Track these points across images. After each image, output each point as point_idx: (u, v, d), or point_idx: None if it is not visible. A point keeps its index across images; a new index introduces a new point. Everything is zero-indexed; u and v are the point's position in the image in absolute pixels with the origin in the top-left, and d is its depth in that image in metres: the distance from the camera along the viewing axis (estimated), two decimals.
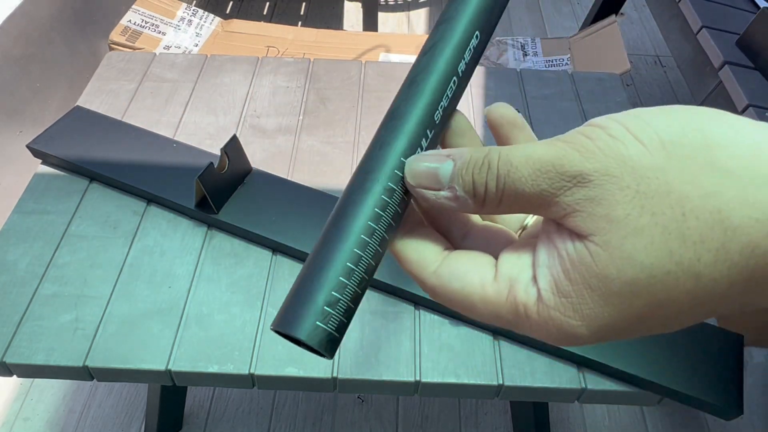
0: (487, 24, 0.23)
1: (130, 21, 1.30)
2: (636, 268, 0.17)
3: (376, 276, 0.58)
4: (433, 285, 0.21)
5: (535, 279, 0.20)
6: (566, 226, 0.19)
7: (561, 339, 0.20)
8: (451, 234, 0.24)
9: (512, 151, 0.19)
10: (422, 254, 0.22)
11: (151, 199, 0.65)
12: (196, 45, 1.34)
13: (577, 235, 0.18)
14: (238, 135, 0.65)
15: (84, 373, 0.53)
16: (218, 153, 0.62)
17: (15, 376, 0.55)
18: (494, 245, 0.22)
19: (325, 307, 0.20)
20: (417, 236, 0.22)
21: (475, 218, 0.25)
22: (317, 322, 0.20)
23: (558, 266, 0.19)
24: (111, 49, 1.26)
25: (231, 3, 1.96)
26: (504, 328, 0.21)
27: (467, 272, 0.21)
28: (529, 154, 0.19)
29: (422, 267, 0.22)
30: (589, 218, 0.18)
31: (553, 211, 0.19)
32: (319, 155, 0.72)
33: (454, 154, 0.20)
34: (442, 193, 0.20)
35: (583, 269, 0.18)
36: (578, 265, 0.18)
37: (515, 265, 0.20)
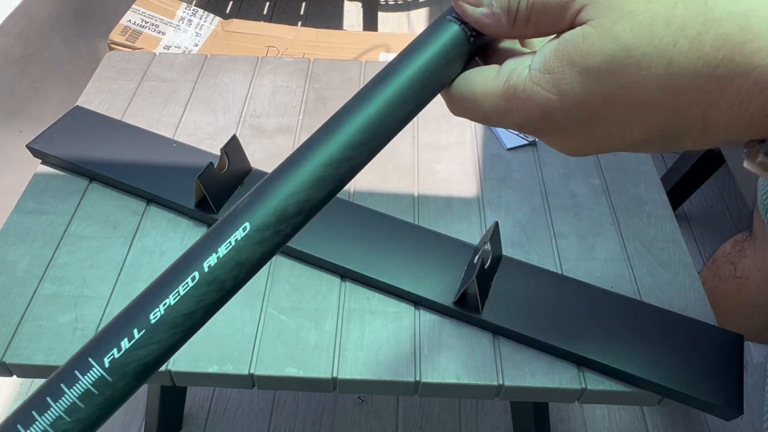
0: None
1: (130, 21, 1.30)
2: (618, 46, 0.19)
3: (375, 276, 0.58)
4: (449, 96, 0.24)
5: (529, 66, 0.22)
6: (575, 23, 0.20)
7: (538, 118, 0.22)
8: None
9: None
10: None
11: (150, 199, 0.65)
12: (196, 45, 1.34)
13: (579, 24, 0.20)
14: (237, 135, 0.65)
15: None
16: (218, 153, 0.62)
17: (15, 376, 0.55)
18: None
19: None
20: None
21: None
22: None
23: (551, 47, 0.21)
24: (111, 48, 1.26)
25: (231, 3, 1.96)
26: (499, 122, 0.23)
27: (474, 77, 0.24)
28: None
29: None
30: (593, 7, 0.20)
31: (569, 17, 0.21)
32: None
33: None
34: (480, 9, 0.22)
35: (571, 47, 0.20)
36: (567, 43, 0.20)
37: (516, 62, 0.22)
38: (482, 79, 0.23)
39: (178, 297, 0.23)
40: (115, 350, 0.22)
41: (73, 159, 0.67)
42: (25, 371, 0.54)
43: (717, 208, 1.41)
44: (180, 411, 0.99)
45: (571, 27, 0.21)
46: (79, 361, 0.22)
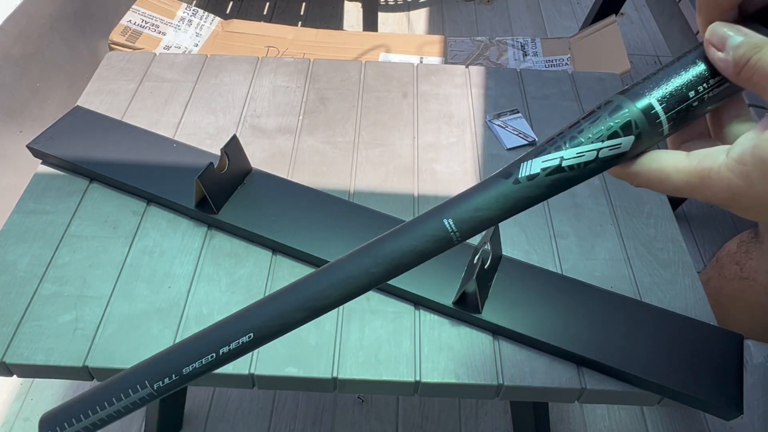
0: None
1: (130, 21, 1.30)
2: None
3: None
4: (635, 171, 0.28)
5: (726, 154, 0.25)
6: None
7: (726, 198, 0.26)
8: None
9: None
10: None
11: (150, 199, 0.65)
12: (196, 45, 1.34)
13: None
14: (238, 135, 0.65)
15: (84, 373, 0.53)
16: (218, 153, 0.62)
17: (15, 376, 0.55)
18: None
19: None
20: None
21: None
22: None
23: (751, 143, 0.24)
24: (111, 49, 1.26)
25: (231, 3, 1.96)
26: (683, 193, 0.27)
27: (664, 156, 0.27)
28: None
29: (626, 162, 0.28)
30: None
31: None
32: (319, 155, 0.72)
33: (749, 35, 0.25)
34: (719, 54, 0.26)
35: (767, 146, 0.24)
36: (765, 142, 0.24)
37: (708, 149, 0.26)
38: (672, 158, 0.27)
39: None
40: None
41: (74, 159, 0.67)
42: (26, 371, 0.54)
43: (717, 208, 1.41)
44: (180, 411, 0.99)
45: None
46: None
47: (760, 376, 1.02)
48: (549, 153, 0.28)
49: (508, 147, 0.73)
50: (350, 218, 0.62)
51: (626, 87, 0.27)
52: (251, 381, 0.54)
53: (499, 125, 0.76)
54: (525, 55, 1.39)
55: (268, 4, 1.96)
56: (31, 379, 1.04)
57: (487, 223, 0.29)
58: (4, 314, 0.56)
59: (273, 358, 0.54)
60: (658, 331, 0.54)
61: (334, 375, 0.53)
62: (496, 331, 0.56)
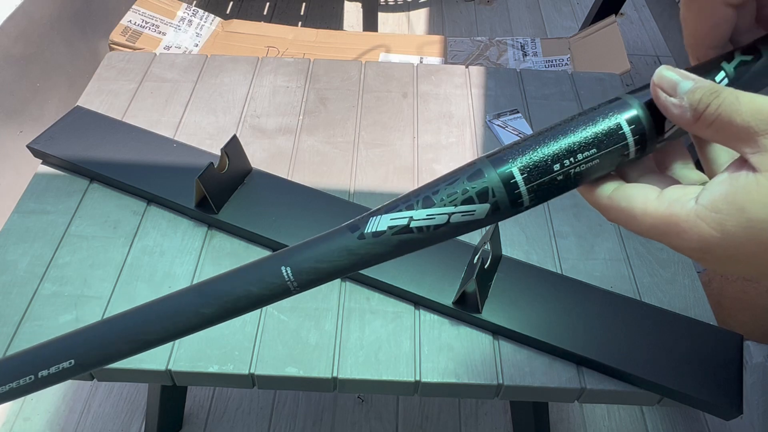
0: None
1: (130, 21, 1.30)
2: None
3: (375, 276, 0.58)
4: (606, 205, 0.26)
5: (696, 199, 0.23)
6: (750, 161, 0.22)
7: (697, 248, 0.24)
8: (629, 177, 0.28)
9: (741, 92, 0.23)
10: (600, 183, 0.27)
11: (151, 199, 0.65)
12: (196, 45, 1.34)
13: (754, 169, 0.22)
14: (238, 135, 0.65)
15: (84, 373, 0.53)
16: (218, 153, 0.62)
17: None
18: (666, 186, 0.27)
19: None
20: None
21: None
22: None
23: (723, 189, 0.23)
24: (111, 49, 1.26)
25: (231, 3, 1.96)
26: (653, 237, 0.25)
27: (634, 194, 0.25)
28: (754, 99, 0.22)
29: (599, 192, 0.27)
30: None
31: (746, 146, 0.22)
32: (319, 155, 0.72)
33: (697, 79, 0.24)
34: (672, 99, 0.24)
35: (743, 195, 0.22)
36: (740, 189, 0.22)
37: (679, 191, 0.24)
38: (642, 198, 0.25)
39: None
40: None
41: (74, 159, 0.67)
42: None
43: None
44: (180, 411, 0.99)
45: (740, 162, 0.23)
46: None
47: (760, 376, 1.02)
48: (399, 211, 0.26)
49: None
50: (350, 218, 0.62)
51: (494, 150, 0.26)
52: (251, 381, 0.54)
53: (499, 125, 0.76)
54: (525, 55, 1.39)
55: (268, 4, 1.97)
56: None
57: (328, 277, 0.27)
58: (4, 314, 0.56)
59: (273, 358, 0.54)
60: (658, 331, 0.54)
61: (334, 375, 0.53)
62: (496, 331, 0.56)
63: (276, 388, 0.55)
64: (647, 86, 0.25)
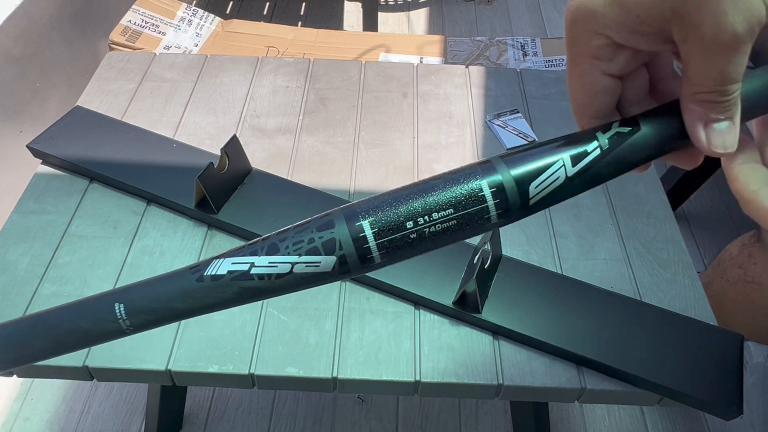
0: None
1: (130, 21, 1.30)
2: None
3: (376, 276, 0.58)
4: (750, 198, 0.25)
5: None
6: None
7: None
8: None
9: None
10: (749, 176, 0.26)
11: (151, 199, 0.65)
12: (196, 45, 1.34)
13: None
14: (238, 135, 0.65)
15: (84, 373, 0.53)
16: (218, 153, 0.62)
17: (15, 376, 0.55)
18: None
19: None
20: (751, 162, 0.27)
21: None
22: None
23: None
24: (111, 49, 1.26)
25: (231, 3, 1.96)
26: None
27: None
28: None
29: (746, 182, 0.26)
30: None
31: None
32: (319, 155, 0.72)
33: None
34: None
35: None
36: None
37: None
38: None
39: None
40: None
41: (74, 159, 0.67)
42: (26, 371, 0.54)
43: (717, 208, 1.41)
44: (180, 411, 0.99)
45: None
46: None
47: (760, 376, 1.02)
48: (243, 255, 0.24)
49: (508, 147, 0.74)
50: None
51: (349, 204, 0.25)
52: (251, 381, 0.54)
53: (499, 125, 0.76)
54: (525, 55, 1.39)
55: (268, 4, 1.96)
56: (31, 379, 1.04)
57: (164, 320, 0.25)
58: (4, 314, 0.56)
59: (273, 358, 0.54)
60: (658, 331, 0.54)
61: (334, 375, 0.53)
62: (496, 331, 0.56)
63: (276, 388, 0.55)
64: (523, 150, 0.25)
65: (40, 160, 0.70)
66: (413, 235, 0.24)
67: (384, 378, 0.53)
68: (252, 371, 0.53)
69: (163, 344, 0.54)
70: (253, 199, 0.64)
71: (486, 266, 0.55)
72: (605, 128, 0.25)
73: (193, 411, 1.01)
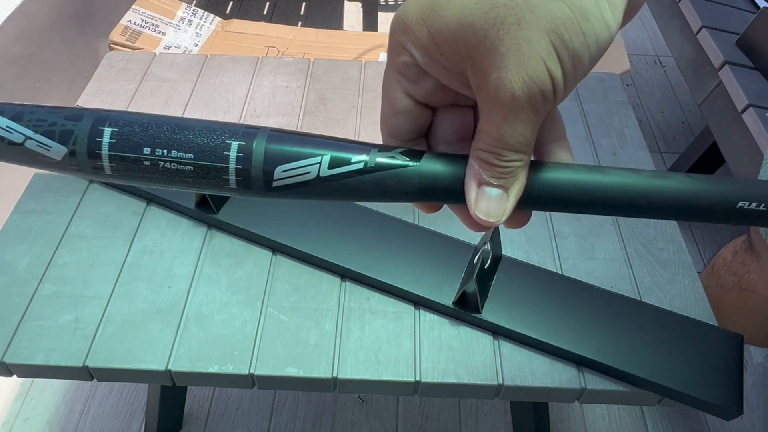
0: None
1: (130, 21, 1.30)
2: None
3: (375, 276, 0.58)
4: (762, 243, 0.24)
5: None
6: None
7: None
8: None
9: None
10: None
11: (150, 199, 0.65)
12: (196, 45, 1.34)
13: None
14: None
15: (84, 373, 0.53)
16: None
17: (15, 376, 0.55)
18: None
19: None
20: None
21: None
22: None
23: None
24: (111, 49, 1.26)
25: (231, 3, 1.96)
26: None
27: None
28: None
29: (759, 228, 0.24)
30: None
31: None
32: None
33: None
34: None
35: None
36: None
37: None
38: None
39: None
40: None
41: None
42: (26, 371, 0.54)
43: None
44: (180, 411, 0.99)
45: None
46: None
47: (760, 376, 1.02)
48: None
49: None
50: (350, 218, 0.62)
51: (108, 110, 0.25)
52: (251, 381, 0.54)
53: None
54: None
55: (268, 4, 1.96)
56: (31, 379, 1.04)
57: None
58: (4, 314, 0.56)
59: (273, 358, 0.54)
60: (658, 331, 0.54)
61: (334, 375, 0.53)
62: (496, 331, 0.56)
63: (276, 388, 0.55)
64: (295, 133, 0.25)
65: None
66: (146, 162, 0.23)
67: (384, 378, 0.53)
68: (252, 371, 0.53)
69: (163, 344, 0.54)
70: (253, 199, 0.64)
71: (486, 266, 0.55)
72: (386, 149, 0.24)
73: (193, 411, 1.01)
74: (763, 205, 0.22)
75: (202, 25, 1.38)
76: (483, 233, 0.62)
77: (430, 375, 0.53)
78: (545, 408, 0.93)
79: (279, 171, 0.24)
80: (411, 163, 0.23)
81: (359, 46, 1.35)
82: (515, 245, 0.63)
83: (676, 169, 1.32)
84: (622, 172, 0.23)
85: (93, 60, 1.26)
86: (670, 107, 1.66)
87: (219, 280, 0.59)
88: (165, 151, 0.23)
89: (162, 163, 0.24)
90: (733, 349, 0.53)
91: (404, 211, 0.66)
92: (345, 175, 0.24)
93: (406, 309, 0.57)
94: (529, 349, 0.55)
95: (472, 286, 0.54)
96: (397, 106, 0.24)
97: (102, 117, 0.24)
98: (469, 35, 0.20)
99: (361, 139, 0.74)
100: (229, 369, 0.53)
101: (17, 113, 0.24)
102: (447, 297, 0.56)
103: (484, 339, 0.55)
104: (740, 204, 0.22)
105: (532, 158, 0.23)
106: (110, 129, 0.23)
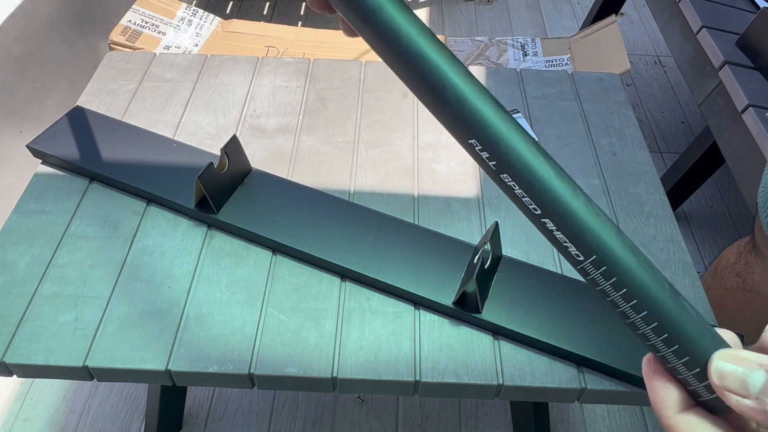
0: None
1: (130, 21, 1.30)
2: None
3: (375, 276, 0.58)
4: (669, 424, 0.24)
5: None
6: None
7: None
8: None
9: None
10: (669, 395, 0.24)
11: (150, 199, 0.65)
12: (196, 45, 1.34)
13: None
14: (238, 135, 0.65)
15: (84, 373, 0.53)
16: (218, 153, 0.62)
17: (15, 376, 0.55)
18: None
19: None
20: (670, 380, 0.25)
21: None
22: None
23: None
24: (111, 49, 1.26)
25: (231, 3, 1.96)
26: None
27: (698, 427, 0.23)
28: None
29: (665, 406, 0.24)
30: None
31: None
32: (319, 155, 0.72)
33: (763, 360, 0.20)
34: (746, 401, 0.20)
35: None
36: None
37: None
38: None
39: None
40: None
41: (73, 159, 0.67)
42: (26, 371, 0.54)
43: (717, 208, 1.41)
44: (180, 411, 0.99)
45: None
46: None
47: None
48: None
49: None
50: (350, 218, 0.62)
51: None
52: (251, 381, 0.54)
53: None
54: (525, 55, 1.39)
55: (268, 4, 1.96)
56: (31, 379, 1.04)
57: None
58: (4, 314, 0.56)
59: (273, 358, 0.54)
60: None
61: (334, 375, 0.53)
62: (496, 331, 0.56)
63: (276, 388, 0.55)
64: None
65: (40, 160, 0.69)
66: None
67: (384, 378, 0.53)
68: (252, 371, 0.53)
69: (162, 344, 0.54)
70: (253, 199, 0.64)
71: (486, 266, 0.55)
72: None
73: (193, 411, 1.01)
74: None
75: (202, 25, 1.38)
76: (483, 233, 0.62)
77: (430, 375, 0.53)
78: (545, 408, 0.93)
79: None
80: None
81: (359, 46, 1.35)
82: (515, 245, 0.63)
83: (676, 169, 1.32)
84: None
85: (93, 60, 1.26)
86: (670, 107, 1.66)
87: (219, 280, 0.59)
88: None
89: None
90: None
91: (404, 211, 0.66)
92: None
93: (406, 309, 0.57)
94: (528, 349, 0.55)
95: (472, 286, 0.54)
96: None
97: None
98: None
99: (361, 139, 0.74)
100: (229, 369, 0.53)
101: None
102: (447, 297, 0.56)
103: (484, 339, 0.55)
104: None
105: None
106: None
